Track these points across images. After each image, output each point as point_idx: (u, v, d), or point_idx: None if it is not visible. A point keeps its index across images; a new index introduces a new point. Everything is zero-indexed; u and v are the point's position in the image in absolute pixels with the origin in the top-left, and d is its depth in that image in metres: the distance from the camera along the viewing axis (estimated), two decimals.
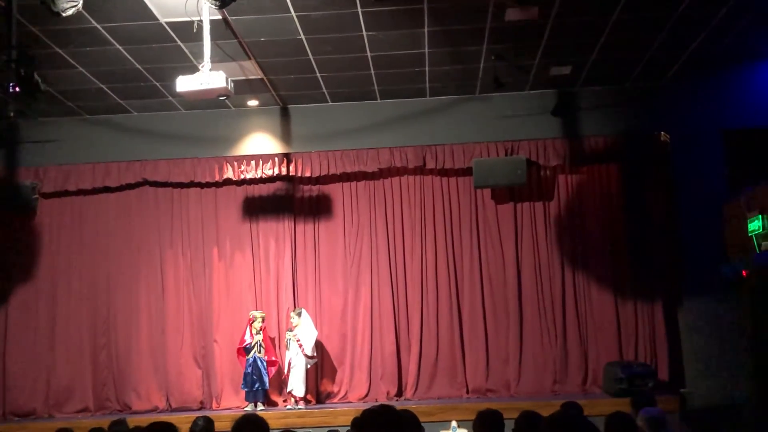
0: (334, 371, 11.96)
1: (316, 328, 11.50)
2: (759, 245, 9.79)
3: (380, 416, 3.69)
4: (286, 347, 11.32)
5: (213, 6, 7.44)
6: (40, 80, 6.67)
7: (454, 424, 9.40)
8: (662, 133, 11.53)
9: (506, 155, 11.68)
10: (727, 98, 11.24)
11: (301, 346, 11.17)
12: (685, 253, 11.21)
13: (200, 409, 11.56)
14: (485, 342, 11.84)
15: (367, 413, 3.74)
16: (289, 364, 11.21)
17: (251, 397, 11.23)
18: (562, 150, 11.62)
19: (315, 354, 11.35)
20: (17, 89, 6.45)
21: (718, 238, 10.90)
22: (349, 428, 9.95)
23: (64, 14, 6.86)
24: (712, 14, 9.31)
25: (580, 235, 11.94)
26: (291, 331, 11.29)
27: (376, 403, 4.36)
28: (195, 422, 6.78)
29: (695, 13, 9.22)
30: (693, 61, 10.76)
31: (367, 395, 11.73)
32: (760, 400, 10.09)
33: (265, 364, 11.24)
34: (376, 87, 11.30)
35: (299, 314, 11.40)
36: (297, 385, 11.15)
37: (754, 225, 9.82)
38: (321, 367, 11.91)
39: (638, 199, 11.83)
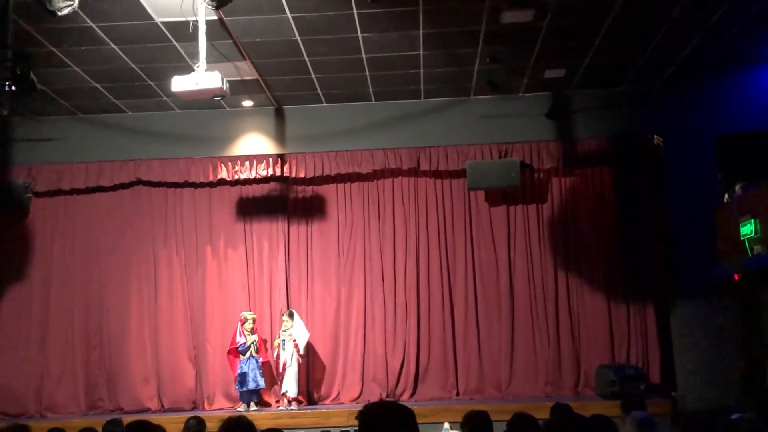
0: (326, 372, 11.95)
1: (309, 329, 11.51)
2: (751, 249, 9.83)
3: (385, 412, 3.68)
4: (281, 348, 11.29)
5: (209, 6, 7.44)
6: (35, 79, 6.66)
7: (446, 425, 9.39)
8: (655, 136, 11.56)
9: (500, 158, 11.71)
10: (720, 102, 11.26)
11: (297, 346, 11.17)
12: (678, 256, 11.24)
13: (193, 409, 11.53)
14: (478, 344, 11.85)
15: (370, 408, 3.70)
16: (285, 364, 11.20)
17: (246, 397, 11.21)
18: (556, 153, 11.66)
19: (304, 354, 11.38)
20: (13, 88, 6.45)
21: (710, 241, 10.92)
22: (340, 430, 10.03)
23: (60, 13, 6.86)
24: (705, 19, 9.36)
25: (573, 237, 11.97)
26: (284, 331, 11.29)
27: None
28: (187, 422, 6.78)
29: (689, 18, 9.26)
30: (686, 65, 10.81)
31: (359, 396, 11.73)
32: (750, 404, 10.13)
33: (260, 364, 11.24)
34: (370, 88, 11.31)
35: (291, 315, 11.40)
36: (291, 385, 11.16)
37: (747, 229, 9.86)
38: (313, 368, 11.91)
39: (631, 201, 11.84)
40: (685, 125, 11.32)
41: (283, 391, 11.22)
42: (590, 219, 11.94)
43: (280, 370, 11.27)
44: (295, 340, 11.20)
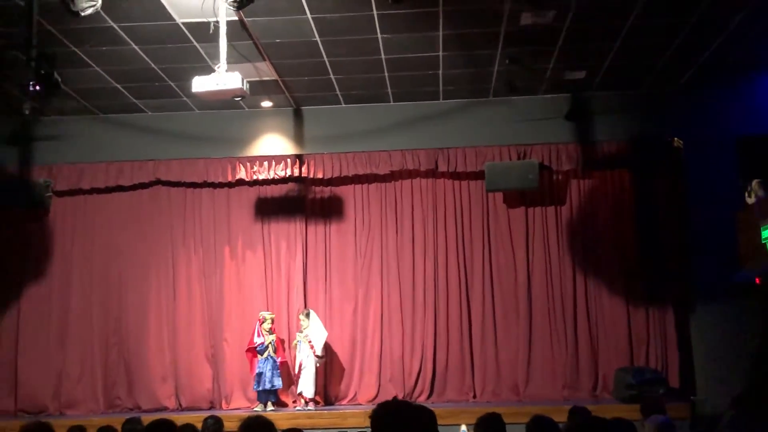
0: (343, 373, 11.98)
1: (326, 330, 11.53)
2: None
3: (396, 411, 3.65)
4: (296, 349, 11.34)
5: (230, 7, 7.47)
6: (59, 79, 6.71)
7: (463, 428, 9.38)
8: (675, 138, 11.50)
9: (519, 159, 11.67)
10: (740, 105, 11.20)
11: (312, 347, 11.20)
12: (697, 259, 11.17)
13: (210, 408, 11.59)
14: (495, 346, 11.83)
15: (381, 408, 3.67)
16: (300, 365, 11.23)
17: (263, 397, 11.25)
18: (575, 154, 11.61)
19: (324, 354, 11.40)
20: (37, 87, 6.49)
21: (731, 244, 10.84)
22: (357, 431, 10.04)
23: (83, 14, 6.90)
24: (727, 21, 9.29)
25: (592, 240, 11.91)
26: (301, 332, 11.32)
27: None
28: (205, 422, 6.79)
29: (710, 20, 9.20)
30: (707, 67, 10.72)
31: (376, 397, 11.72)
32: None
33: (277, 364, 11.26)
34: (389, 89, 11.31)
35: (308, 315, 11.43)
36: (307, 386, 11.18)
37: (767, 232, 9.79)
38: (330, 368, 11.93)
39: (650, 204, 11.80)
40: (706, 127, 11.25)
41: (299, 391, 11.24)
42: (609, 221, 11.89)
43: (296, 371, 11.29)
44: (310, 341, 11.22)
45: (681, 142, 11.45)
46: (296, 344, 11.35)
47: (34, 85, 6.48)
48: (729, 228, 10.89)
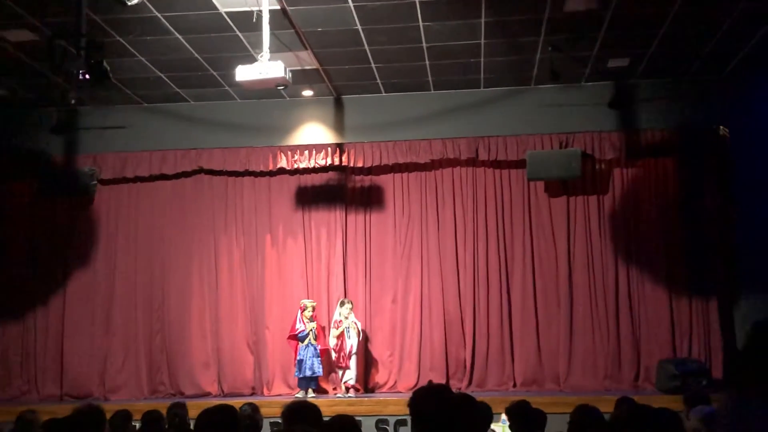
0: (383, 361, 12.01)
1: (366, 318, 11.61)
2: None
3: (434, 395, 3.68)
4: (346, 336, 11.30)
5: None
6: (108, 68, 6.79)
7: (504, 417, 9.34)
8: (721, 127, 11.32)
9: (561, 148, 11.57)
10: None
11: (359, 333, 11.25)
12: (742, 249, 11.01)
13: (252, 395, 11.68)
14: (536, 335, 11.77)
15: (419, 393, 3.71)
16: (351, 351, 11.24)
17: (304, 384, 11.30)
18: (618, 143, 11.48)
19: (362, 340, 11.54)
20: (87, 76, 6.58)
21: None
22: (397, 418, 10.06)
23: (129, 3, 6.99)
24: None
25: (635, 229, 11.78)
26: (347, 318, 11.30)
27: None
28: (241, 409, 6.85)
29: (757, 7, 9.02)
30: (754, 55, 10.53)
31: (415, 385, 11.70)
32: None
33: (318, 351, 11.31)
34: (430, 78, 11.28)
35: (350, 302, 11.46)
36: (353, 373, 11.25)
37: None
38: (370, 356, 11.98)
39: (695, 193, 11.62)
40: (752, 116, 11.07)
41: (346, 378, 11.26)
42: (652, 211, 11.74)
43: (348, 356, 11.24)
44: (357, 327, 11.26)
45: (726, 130, 11.27)
46: (344, 330, 11.31)
47: (83, 74, 6.57)
48: None
